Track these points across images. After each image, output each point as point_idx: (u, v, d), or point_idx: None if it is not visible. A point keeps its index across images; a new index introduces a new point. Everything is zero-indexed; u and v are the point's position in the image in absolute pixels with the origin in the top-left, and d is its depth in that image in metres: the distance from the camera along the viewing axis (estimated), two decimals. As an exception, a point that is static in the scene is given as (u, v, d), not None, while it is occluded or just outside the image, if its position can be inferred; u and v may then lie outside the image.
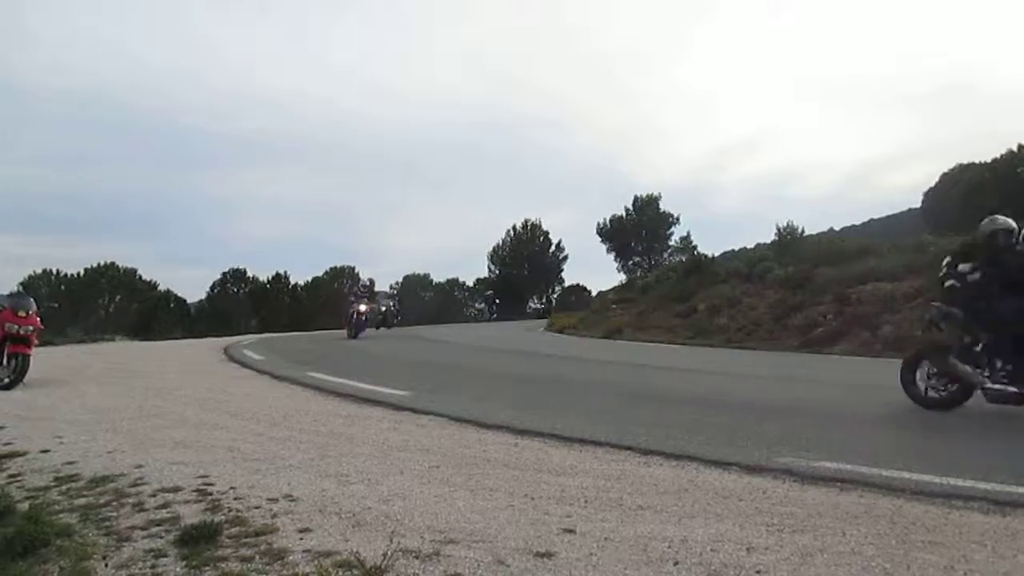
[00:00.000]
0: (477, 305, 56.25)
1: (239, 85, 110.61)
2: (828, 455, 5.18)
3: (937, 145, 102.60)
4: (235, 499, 4.33)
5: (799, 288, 18.86)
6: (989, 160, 35.83)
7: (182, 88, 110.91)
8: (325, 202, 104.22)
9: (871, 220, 64.92)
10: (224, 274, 50.21)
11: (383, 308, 27.61)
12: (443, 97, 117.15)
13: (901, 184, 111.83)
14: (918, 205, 43.69)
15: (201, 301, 49.93)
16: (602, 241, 54.93)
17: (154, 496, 4.44)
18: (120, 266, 46.99)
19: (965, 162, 38.70)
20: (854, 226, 59.58)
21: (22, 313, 10.35)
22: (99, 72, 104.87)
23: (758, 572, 3.03)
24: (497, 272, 56.42)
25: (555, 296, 56.20)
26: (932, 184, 41.61)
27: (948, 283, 7.46)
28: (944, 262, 7.64)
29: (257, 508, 4.12)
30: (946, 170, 40.35)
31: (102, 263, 46.39)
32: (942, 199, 37.57)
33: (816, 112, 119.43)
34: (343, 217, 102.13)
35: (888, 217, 61.47)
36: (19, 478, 5.07)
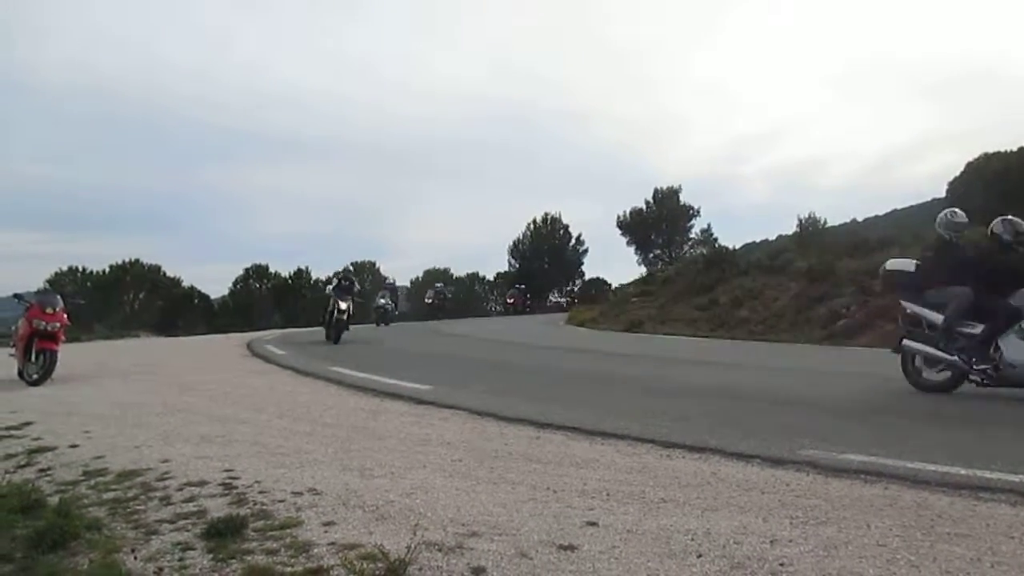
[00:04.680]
0: (496, 303, 56.05)
1: (262, 83, 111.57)
2: (852, 447, 5.15)
3: (962, 133, 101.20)
4: (260, 493, 4.37)
5: (821, 280, 18.66)
6: (1015, 148, 35.25)
7: (205, 86, 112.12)
8: (346, 198, 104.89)
9: (894, 210, 63.98)
10: (247, 270, 50.32)
11: (381, 301, 27.77)
12: (463, 92, 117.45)
13: (925, 173, 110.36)
14: (942, 195, 43.01)
15: (224, 297, 50.18)
16: (622, 234, 54.59)
17: (180, 490, 4.50)
18: (144, 263, 47.23)
19: (991, 151, 38.07)
20: (877, 216, 58.84)
21: (49, 310, 10.51)
22: (121, 71, 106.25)
23: (782, 565, 3.02)
24: (517, 266, 56.27)
25: (575, 289, 56.02)
26: (957, 173, 40.96)
27: None
28: None
29: (282, 502, 4.16)
30: (971, 159, 39.73)
31: (126, 260, 46.70)
32: (967, 188, 36.90)
33: (838, 102, 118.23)
34: (364, 212, 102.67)
35: (912, 207, 60.54)
36: (49, 472, 5.16)
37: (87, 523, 3.72)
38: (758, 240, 47.38)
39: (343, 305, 17.12)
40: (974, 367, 7.28)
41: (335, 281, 18.54)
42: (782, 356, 12.89)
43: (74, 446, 5.99)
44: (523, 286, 45.24)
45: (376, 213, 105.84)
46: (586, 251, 57.46)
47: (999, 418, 6.54)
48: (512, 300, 40.95)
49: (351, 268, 19.86)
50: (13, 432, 6.74)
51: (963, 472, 4.39)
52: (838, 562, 3.03)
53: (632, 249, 54.24)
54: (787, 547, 3.23)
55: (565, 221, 57.46)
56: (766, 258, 24.09)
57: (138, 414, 7.59)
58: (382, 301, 28.15)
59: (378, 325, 26.71)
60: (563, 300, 49.02)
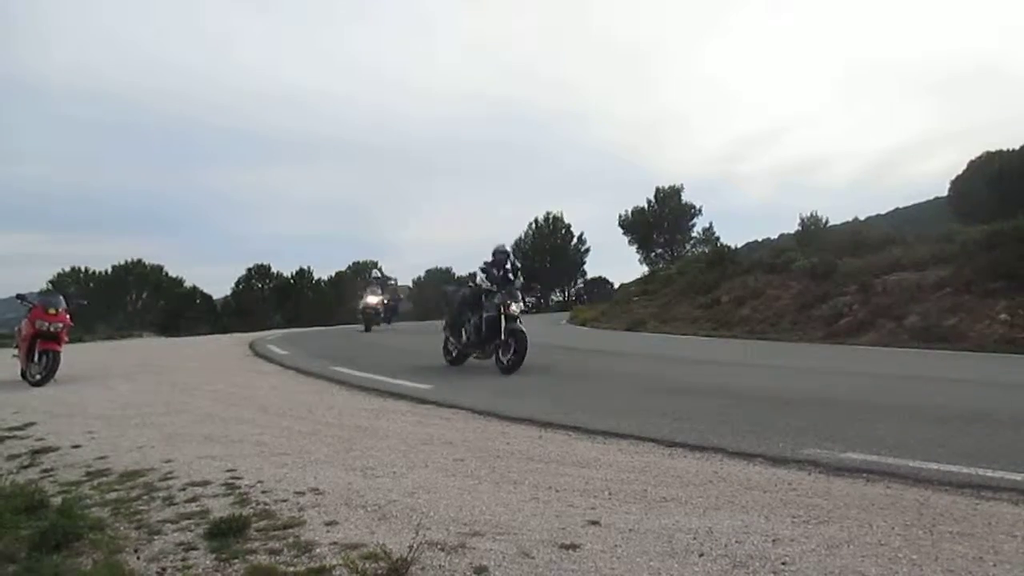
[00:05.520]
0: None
1: (264, 84, 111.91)
2: (854, 446, 5.15)
3: (964, 132, 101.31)
4: (263, 493, 4.38)
5: (823, 279, 18.68)
6: (1017, 147, 35.26)
7: (205, 89, 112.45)
8: (348, 198, 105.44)
9: (896, 209, 64.20)
10: (249, 270, 50.42)
11: (370, 300, 23.38)
12: (464, 92, 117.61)
13: (927, 172, 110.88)
14: (945, 193, 43.03)
15: (226, 297, 50.25)
16: (624, 233, 54.69)
17: (183, 490, 4.51)
18: (147, 263, 47.42)
19: (992, 149, 38.09)
20: (879, 215, 58.90)
21: (52, 311, 10.52)
22: (124, 73, 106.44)
23: (784, 564, 3.02)
24: (519, 265, 56.28)
25: (577, 288, 56.00)
26: (959, 172, 40.97)
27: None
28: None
29: (284, 501, 4.17)
30: (973, 157, 39.74)
31: (129, 260, 46.87)
32: (969, 187, 37.00)
33: (840, 101, 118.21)
34: (366, 212, 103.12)
35: (914, 206, 60.74)
36: (52, 473, 5.17)
37: (90, 523, 3.73)
38: (760, 239, 47.48)
39: (514, 307, 10.50)
40: None
41: (488, 269, 11.35)
42: (784, 355, 12.88)
43: (77, 447, 6.00)
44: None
45: (378, 213, 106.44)
46: (588, 250, 57.49)
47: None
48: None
49: (504, 245, 11.86)
50: (16, 433, 6.75)
51: (965, 471, 4.39)
52: (840, 561, 3.03)
53: (634, 248, 54.34)
54: (789, 546, 3.23)
55: (567, 220, 57.49)
56: (768, 257, 24.08)
57: (141, 414, 7.60)
58: (371, 300, 23.41)
59: (367, 329, 22.76)
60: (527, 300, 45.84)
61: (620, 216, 54.90)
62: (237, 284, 50.34)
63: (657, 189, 54.55)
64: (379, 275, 25.30)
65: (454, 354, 11.82)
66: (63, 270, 44.91)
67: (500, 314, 10.49)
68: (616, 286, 45.39)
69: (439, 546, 3.32)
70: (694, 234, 54.03)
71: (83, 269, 45.80)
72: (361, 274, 49.97)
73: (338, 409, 7.69)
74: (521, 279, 11.61)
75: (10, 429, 6.92)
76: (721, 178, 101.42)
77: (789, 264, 21.29)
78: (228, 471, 4.95)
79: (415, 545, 3.14)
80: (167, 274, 48.32)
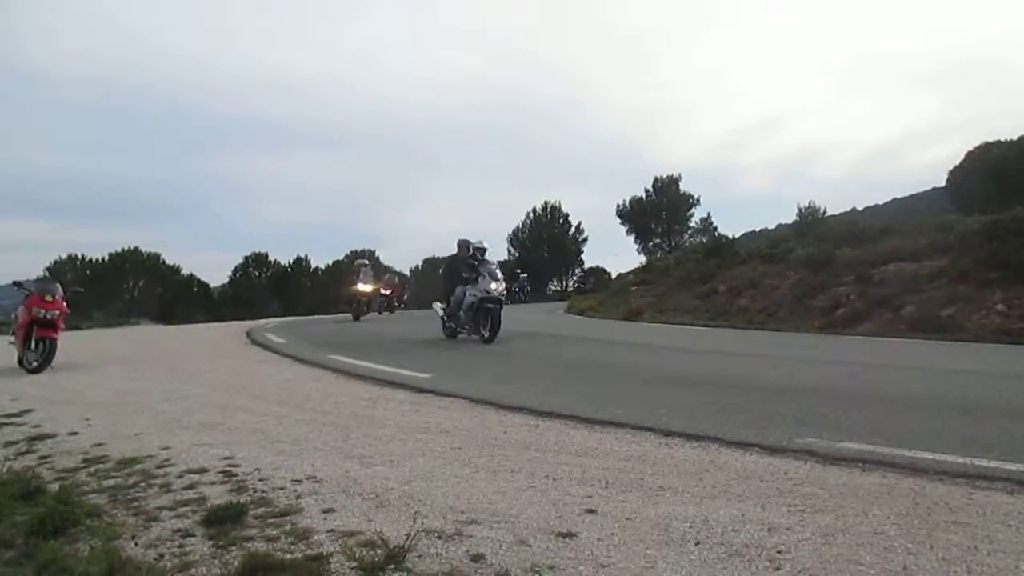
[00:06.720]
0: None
1: (263, 71, 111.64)
2: (850, 436, 5.16)
3: (963, 123, 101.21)
4: (260, 480, 4.39)
5: (821, 269, 18.66)
6: (1015, 138, 35.22)
7: (206, 75, 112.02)
8: (345, 186, 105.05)
9: (894, 199, 64.08)
10: (246, 258, 50.32)
11: (361, 287, 22.26)
12: (464, 80, 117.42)
13: (925, 163, 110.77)
14: (942, 184, 42.98)
15: (224, 285, 50.19)
16: (622, 223, 54.72)
17: (181, 477, 4.51)
18: (144, 251, 47.25)
19: (990, 140, 38.02)
20: (877, 206, 58.88)
21: (48, 298, 10.52)
22: (123, 60, 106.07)
23: (779, 552, 3.03)
24: (517, 254, 56.23)
25: (575, 278, 56.02)
26: (957, 162, 40.91)
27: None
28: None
29: (282, 489, 4.18)
30: (971, 148, 39.68)
31: (126, 248, 46.73)
32: (967, 177, 36.94)
33: (839, 90, 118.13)
34: (364, 200, 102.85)
35: (912, 196, 60.66)
36: (49, 460, 5.18)
37: (87, 510, 3.73)
38: (758, 229, 47.54)
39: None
40: None
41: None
42: (780, 345, 12.89)
43: (74, 433, 6.01)
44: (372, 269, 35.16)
45: (376, 201, 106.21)
46: (586, 240, 57.49)
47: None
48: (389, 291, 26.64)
49: None
50: (13, 419, 6.76)
51: (960, 460, 4.40)
52: (835, 549, 3.04)
53: (632, 238, 54.35)
54: (785, 535, 3.24)
55: (565, 210, 57.43)
56: (766, 247, 24.08)
57: (138, 402, 7.61)
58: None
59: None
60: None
61: (618, 205, 54.93)
62: (235, 272, 50.31)
63: (655, 179, 54.55)
64: (366, 263, 24.55)
65: None
66: (60, 257, 44.83)
67: None
68: (614, 276, 45.30)
69: (436, 534, 3.33)
70: (692, 224, 54.09)
71: (80, 256, 45.70)
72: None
73: (335, 397, 7.69)
74: None
75: (7, 416, 6.92)
76: (720, 168, 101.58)
77: (787, 254, 21.27)
78: (225, 459, 4.95)
79: (412, 533, 3.16)
80: (164, 262, 48.21)
